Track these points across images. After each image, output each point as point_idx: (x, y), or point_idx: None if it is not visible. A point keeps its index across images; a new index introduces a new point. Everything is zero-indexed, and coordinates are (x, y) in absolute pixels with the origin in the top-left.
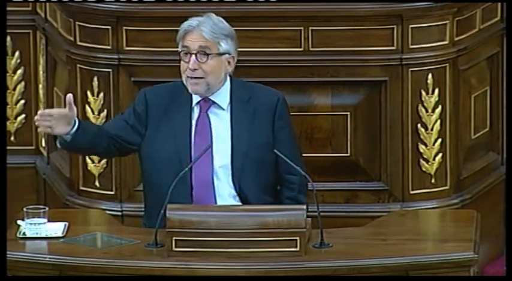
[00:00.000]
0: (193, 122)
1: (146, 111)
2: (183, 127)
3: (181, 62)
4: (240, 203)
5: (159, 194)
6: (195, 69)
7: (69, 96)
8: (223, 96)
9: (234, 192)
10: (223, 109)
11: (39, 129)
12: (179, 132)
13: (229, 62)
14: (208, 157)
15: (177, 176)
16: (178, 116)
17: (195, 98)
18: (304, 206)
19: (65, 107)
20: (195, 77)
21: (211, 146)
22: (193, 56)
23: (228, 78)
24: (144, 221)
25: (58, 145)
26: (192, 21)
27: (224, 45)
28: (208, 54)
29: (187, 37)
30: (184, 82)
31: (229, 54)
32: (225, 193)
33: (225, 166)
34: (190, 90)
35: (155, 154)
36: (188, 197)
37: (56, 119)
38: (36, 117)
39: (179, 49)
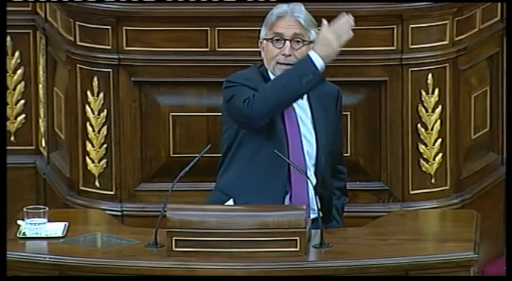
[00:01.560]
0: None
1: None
2: (276, 117)
3: (270, 47)
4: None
5: (256, 171)
6: (289, 56)
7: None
8: None
9: (316, 181)
10: (302, 98)
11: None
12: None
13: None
14: (300, 148)
15: (276, 163)
16: None
17: None
18: (304, 206)
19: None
20: (287, 64)
21: (299, 133)
22: (288, 42)
23: None
24: (225, 183)
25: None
26: (283, 8)
27: (313, 34)
28: (303, 41)
29: (279, 23)
30: (271, 68)
31: (313, 43)
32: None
33: (311, 155)
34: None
35: (244, 144)
36: (283, 189)
37: None
38: None
39: (266, 36)
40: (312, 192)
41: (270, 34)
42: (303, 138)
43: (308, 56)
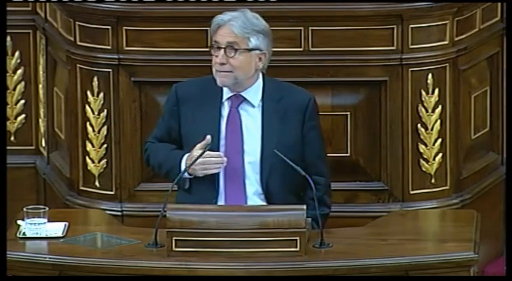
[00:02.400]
0: (224, 117)
1: (178, 107)
2: (213, 121)
3: (212, 54)
4: (264, 203)
5: (190, 190)
6: (223, 64)
7: (209, 138)
8: (254, 93)
9: (260, 190)
10: (254, 106)
11: (216, 171)
12: (208, 126)
13: (260, 58)
14: (239, 153)
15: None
16: (208, 110)
17: (226, 93)
18: (304, 206)
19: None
20: (223, 71)
21: (241, 135)
22: (222, 50)
23: (261, 76)
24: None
25: (186, 185)
26: (225, 16)
27: (254, 41)
28: (236, 50)
29: (218, 31)
30: (214, 75)
31: (260, 50)
32: (252, 190)
33: (254, 163)
34: (218, 82)
35: (188, 146)
36: (214, 192)
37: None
38: (207, 161)
39: (210, 43)
40: (257, 201)
41: (211, 42)
42: (245, 146)
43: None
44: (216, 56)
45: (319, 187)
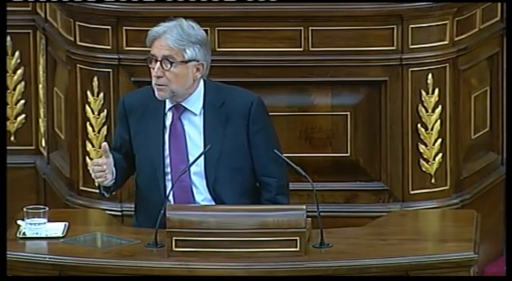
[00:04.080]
0: (167, 128)
1: (126, 117)
2: (156, 132)
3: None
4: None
5: (139, 197)
6: (160, 77)
7: (104, 144)
8: (195, 101)
9: (209, 197)
10: (196, 114)
11: (98, 180)
12: (152, 137)
13: (198, 69)
14: (184, 163)
15: (153, 181)
16: (152, 121)
17: (168, 104)
18: (304, 206)
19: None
20: (160, 84)
21: (185, 146)
22: (158, 63)
23: (202, 82)
24: (134, 222)
25: (105, 194)
26: (160, 28)
27: (190, 53)
28: (172, 62)
29: (154, 44)
30: (153, 87)
31: (197, 61)
32: (201, 198)
33: (199, 173)
34: (156, 95)
35: (136, 158)
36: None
37: (107, 169)
38: (92, 169)
39: (148, 55)
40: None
41: (148, 54)
42: (189, 155)
43: None
44: (153, 69)
45: (270, 188)
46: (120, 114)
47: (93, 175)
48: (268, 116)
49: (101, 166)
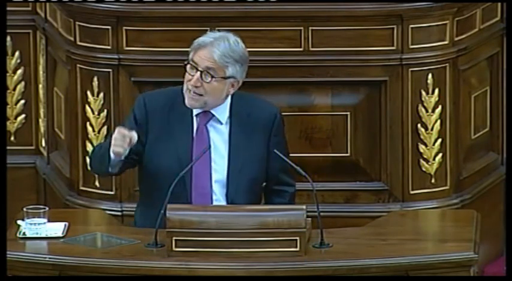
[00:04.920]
0: (194, 133)
1: (146, 118)
2: (185, 137)
3: (187, 71)
4: None
5: (160, 199)
6: (197, 87)
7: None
8: (223, 110)
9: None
10: (222, 123)
11: (115, 148)
12: (180, 141)
13: (232, 85)
14: (207, 170)
15: (177, 182)
16: (179, 125)
17: (195, 110)
18: (304, 206)
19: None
20: (195, 93)
21: (209, 153)
22: (198, 73)
23: None
24: (137, 220)
25: (110, 170)
26: (207, 38)
27: (231, 70)
28: (213, 76)
29: (199, 52)
30: (184, 92)
31: (235, 78)
32: None
33: (221, 181)
34: (186, 102)
35: (157, 160)
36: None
37: (127, 143)
38: (115, 136)
39: (188, 59)
40: None
41: (190, 60)
42: (213, 163)
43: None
44: (192, 76)
45: (285, 195)
46: (140, 114)
47: (112, 142)
48: (284, 129)
49: (125, 137)
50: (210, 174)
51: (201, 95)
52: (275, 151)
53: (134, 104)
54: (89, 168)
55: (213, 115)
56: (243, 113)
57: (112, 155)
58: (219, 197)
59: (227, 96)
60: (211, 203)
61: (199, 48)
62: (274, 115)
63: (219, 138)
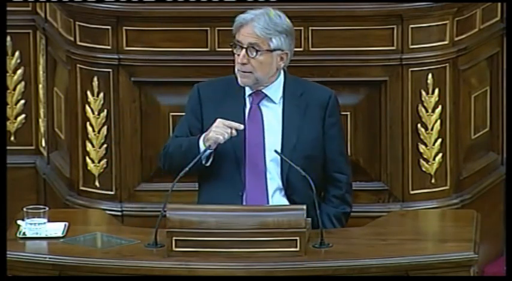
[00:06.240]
0: (246, 114)
1: (200, 106)
2: (237, 118)
3: (234, 53)
4: (285, 199)
5: (214, 184)
6: (244, 64)
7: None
8: (275, 90)
9: (281, 185)
10: (275, 103)
11: (216, 137)
12: (233, 121)
13: (281, 58)
14: (260, 149)
15: (233, 164)
16: (231, 107)
17: (248, 90)
18: (304, 206)
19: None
20: (244, 71)
21: (263, 132)
22: (243, 50)
23: (282, 73)
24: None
25: (203, 162)
26: (247, 15)
27: (276, 42)
28: (258, 50)
29: (241, 31)
30: (236, 72)
31: (282, 50)
32: (273, 185)
33: (275, 160)
34: (239, 81)
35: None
36: (240, 188)
37: (228, 134)
38: (217, 125)
39: (234, 40)
40: (278, 196)
41: (235, 40)
42: (266, 142)
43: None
44: (238, 55)
45: (341, 185)
46: (194, 103)
47: (214, 129)
48: (340, 113)
49: (230, 128)
50: (264, 153)
51: (250, 71)
52: (275, 150)
53: (189, 95)
54: (162, 167)
55: (266, 95)
56: (297, 93)
57: (204, 146)
58: (273, 175)
59: (278, 70)
60: (266, 183)
61: (241, 26)
62: (329, 95)
63: (272, 117)
